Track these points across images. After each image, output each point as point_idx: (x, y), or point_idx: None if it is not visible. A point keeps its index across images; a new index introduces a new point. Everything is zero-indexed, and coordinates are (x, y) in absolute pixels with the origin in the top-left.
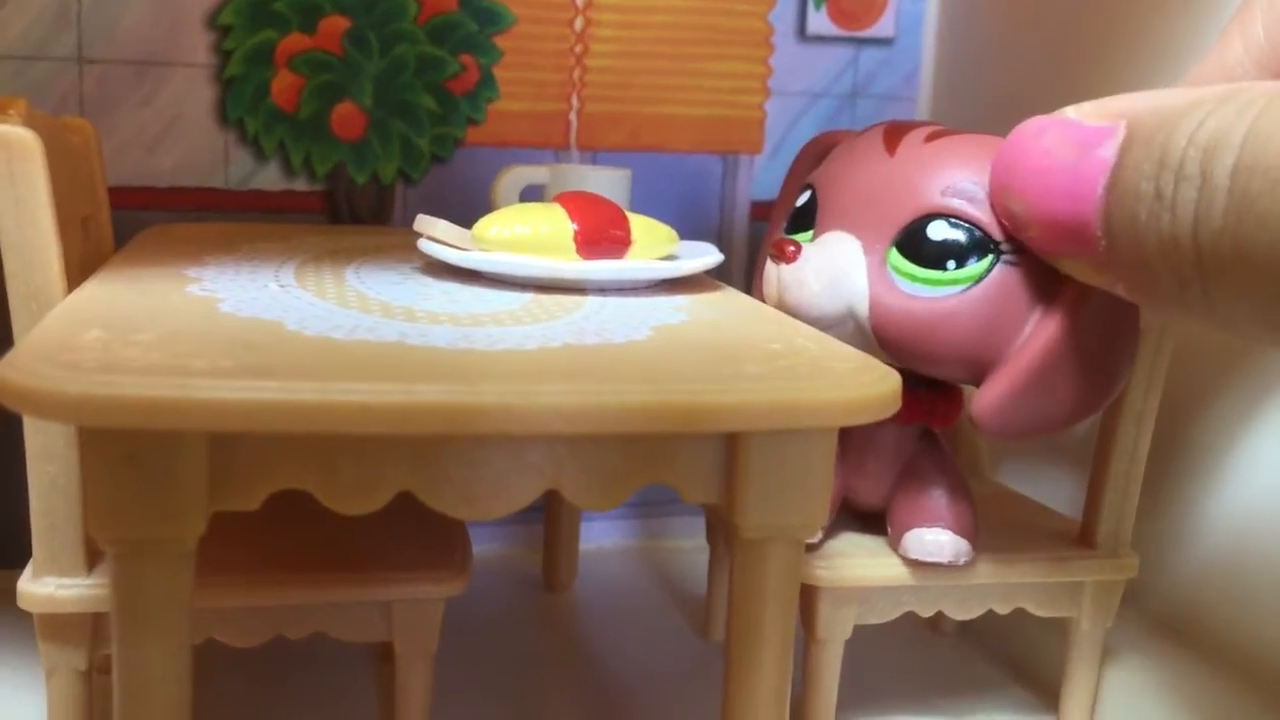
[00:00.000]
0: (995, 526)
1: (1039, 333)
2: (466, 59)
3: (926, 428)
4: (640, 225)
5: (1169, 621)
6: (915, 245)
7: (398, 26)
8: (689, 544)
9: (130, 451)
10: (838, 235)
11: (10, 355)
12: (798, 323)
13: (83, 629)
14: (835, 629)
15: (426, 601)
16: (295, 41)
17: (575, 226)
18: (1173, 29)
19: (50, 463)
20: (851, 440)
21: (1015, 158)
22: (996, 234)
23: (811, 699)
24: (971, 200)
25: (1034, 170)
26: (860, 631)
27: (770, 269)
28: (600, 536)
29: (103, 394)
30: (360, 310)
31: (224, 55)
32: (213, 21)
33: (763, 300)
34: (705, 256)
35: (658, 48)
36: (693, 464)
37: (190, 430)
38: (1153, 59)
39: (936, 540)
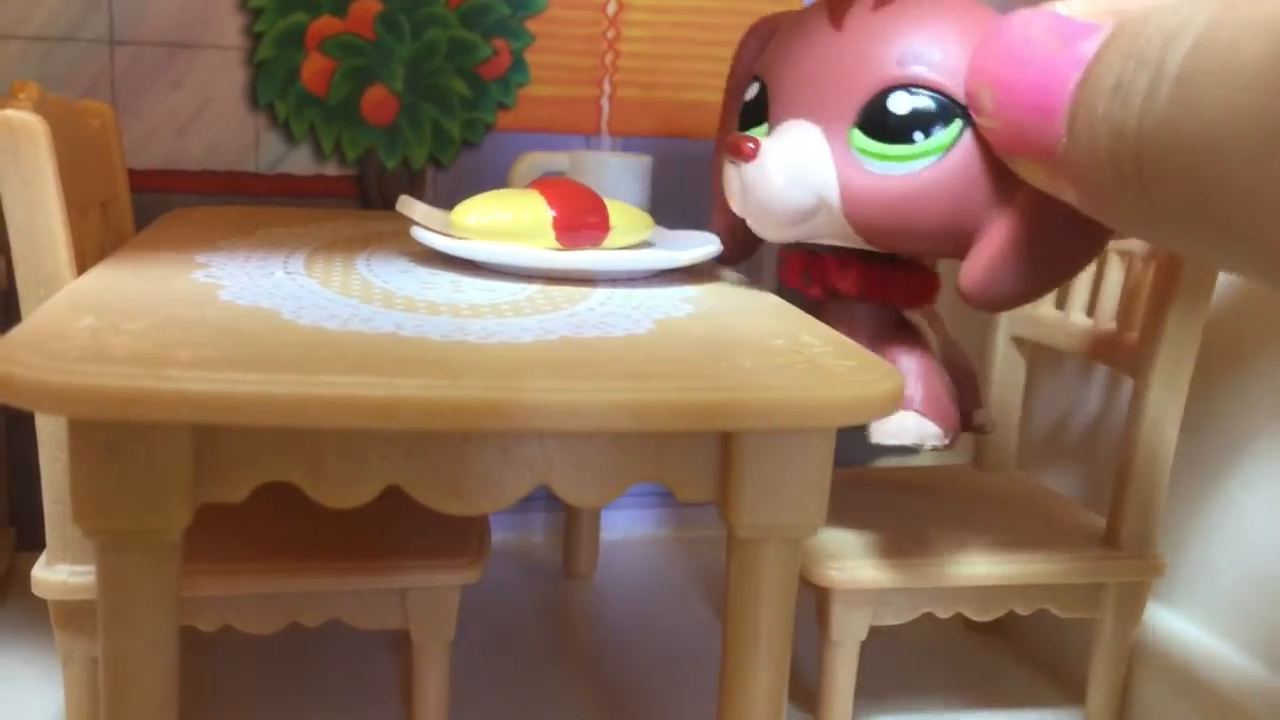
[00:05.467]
0: (1018, 525)
1: (1015, 203)
2: (498, 43)
3: (900, 311)
4: (618, 211)
5: (1199, 620)
6: (878, 122)
7: (429, 10)
8: (713, 534)
9: (112, 442)
10: (795, 124)
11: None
12: (806, 317)
13: (97, 616)
14: (849, 630)
15: (442, 589)
16: (326, 25)
17: (554, 213)
18: None
19: (62, 450)
20: (826, 318)
21: (997, 45)
22: (961, 98)
23: (827, 700)
24: (931, 65)
25: (1012, 59)
26: (883, 628)
27: (730, 171)
28: (623, 526)
29: (82, 384)
30: (361, 299)
31: (255, 38)
32: (244, 4)
33: (729, 192)
34: (704, 247)
35: (690, 33)
36: (686, 462)
37: (171, 422)
38: None
39: (900, 424)
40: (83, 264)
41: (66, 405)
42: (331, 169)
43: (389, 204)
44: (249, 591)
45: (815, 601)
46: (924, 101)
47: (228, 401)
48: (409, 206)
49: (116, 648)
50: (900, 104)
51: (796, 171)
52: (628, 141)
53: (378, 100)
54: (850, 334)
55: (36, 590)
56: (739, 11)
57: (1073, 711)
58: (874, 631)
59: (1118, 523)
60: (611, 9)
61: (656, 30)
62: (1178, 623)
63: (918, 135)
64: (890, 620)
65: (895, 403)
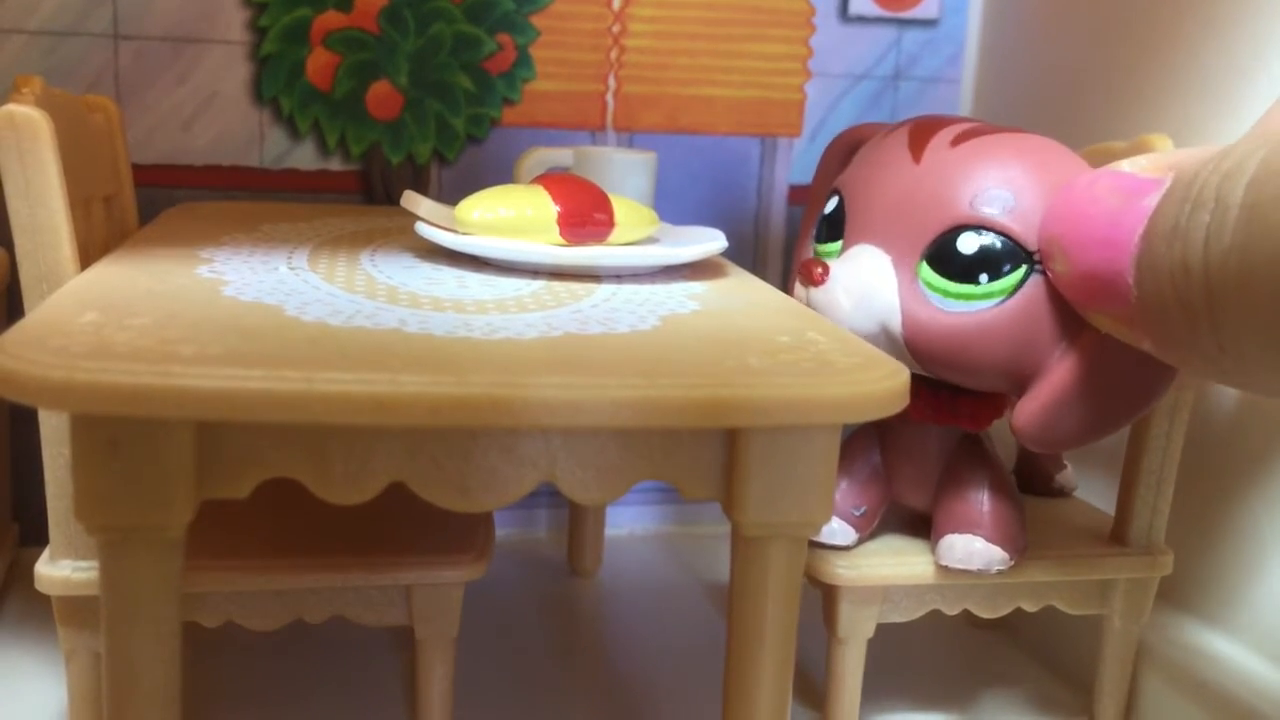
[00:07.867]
0: (1026, 521)
1: (1079, 345)
2: (503, 38)
3: (968, 431)
4: (623, 207)
5: (1207, 618)
6: (946, 258)
7: (435, 5)
8: (718, 530)
9: (115, 438)
10: (866, 249)
11: (2, 339)
12: (813, 314)
13: (100, 612)
14: (857, 628)
15: (446, 586)
16: (331, 19)
17: (558, 209)
18: (1218, 10)
19: (64, 446)
20: (892, 444)
21: (1064, 205)
22: (1029, 243)
23: (835, 698)
24: (1003, 209)
25: (1078, 218)
26: (890, 625)
27: (799, 290)
28: (628, 522)
29: (85, 380)
30: (365, 295)
31: (259, 32)
32: None
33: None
34: (709, 243)
35: (697, 28)
36: (692, 459)
37: (174, 418)
38: (1198, 40)
39: (968, 548)
40: (86, 259)
41: (69, 401)
42: (336, 164)
43: (393, 199)
44: (252, 587)
45: (822, 599)
46: (992, 244)
47: (231, 398)
48: (413, 202)
49: (119, 644)
50: (968, 244)
51: (863, 297)
52: (633, 137)
53: (382, 95)
54: (920, 457)
55: (39, 586)
56: (746, 7)
57: (1079, 709)
58: (878, 629)
59: (1125, 519)
60: (617, 3)
61: (662, 25)
62: (1185, 622)
63: (983, 276)
64: (897, 618)
65: (901, 399)
